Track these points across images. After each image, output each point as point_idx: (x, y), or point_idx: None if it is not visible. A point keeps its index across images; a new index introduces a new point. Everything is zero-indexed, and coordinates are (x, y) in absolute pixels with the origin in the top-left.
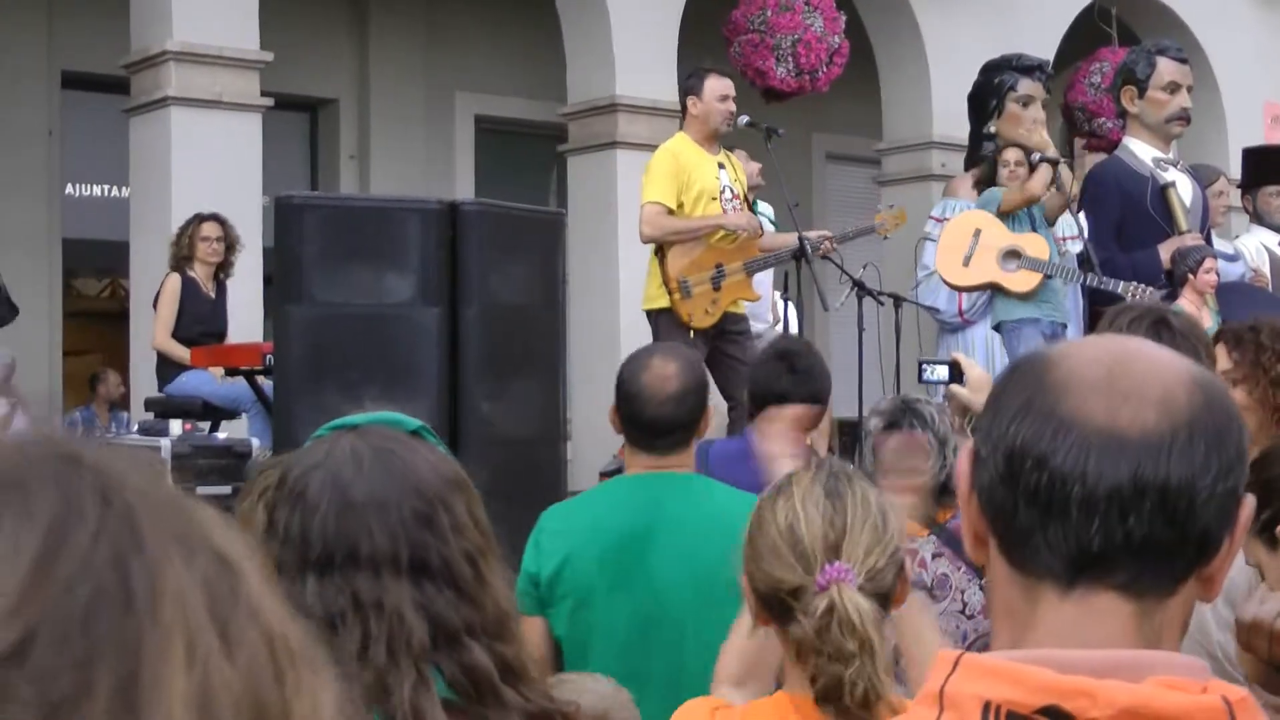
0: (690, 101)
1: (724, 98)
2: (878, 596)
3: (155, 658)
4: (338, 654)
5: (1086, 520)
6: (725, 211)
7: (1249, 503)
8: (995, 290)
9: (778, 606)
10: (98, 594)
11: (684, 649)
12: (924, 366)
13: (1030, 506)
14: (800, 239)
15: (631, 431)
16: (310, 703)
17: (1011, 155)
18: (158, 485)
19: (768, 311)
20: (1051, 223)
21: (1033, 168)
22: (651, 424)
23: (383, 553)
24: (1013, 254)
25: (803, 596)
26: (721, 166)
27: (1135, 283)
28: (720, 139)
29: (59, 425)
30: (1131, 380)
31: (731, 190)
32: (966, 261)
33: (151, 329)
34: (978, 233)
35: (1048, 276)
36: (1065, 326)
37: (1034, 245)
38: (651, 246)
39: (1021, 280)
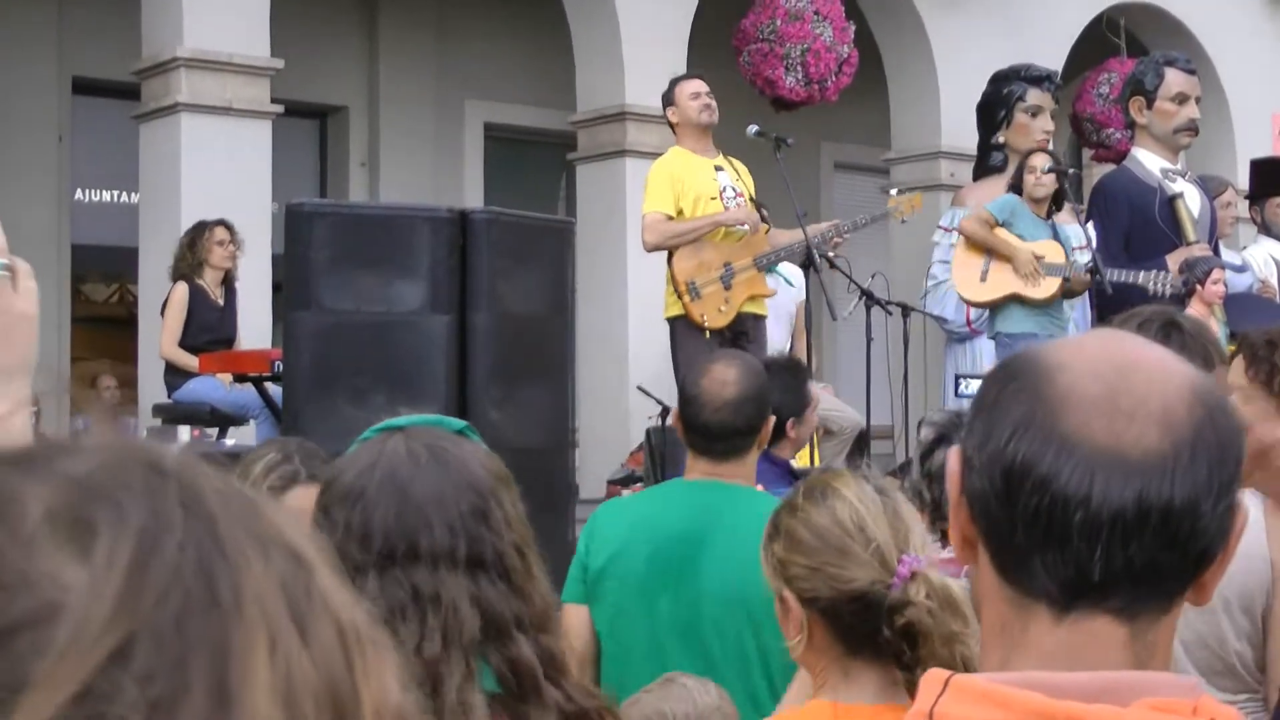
0: (670, 112)
1: (695, 94)
2: None
3: (242, 654)
4: (399, 647)
5: (1088, 547)
6: (727, 208)
7: (1244, 509)
8: (1015, 300)
9: (846, 610)
10: (188, 598)
11: (716, 657)
12: (960, 381)
13: (1029, 529)
14: (809, 248)
15: (689, 435)
16: (377, 684)
17: (1039, 161)
18: (232, 489)
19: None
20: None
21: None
22: (707, 429)
23: (441, 547)
24: None
25: (873, 594)
26: (720, 169)
27: (1155, 271)
28: (712, 139)
29: (132, 430)
30: (1133, 396)
31: (734, 189)
32: (984, 276)
33: (159, 337)
34: (991, 251)
35: (1066, 279)
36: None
37: (1051, 251)
38: (664, 255)
39: (1045, 287)
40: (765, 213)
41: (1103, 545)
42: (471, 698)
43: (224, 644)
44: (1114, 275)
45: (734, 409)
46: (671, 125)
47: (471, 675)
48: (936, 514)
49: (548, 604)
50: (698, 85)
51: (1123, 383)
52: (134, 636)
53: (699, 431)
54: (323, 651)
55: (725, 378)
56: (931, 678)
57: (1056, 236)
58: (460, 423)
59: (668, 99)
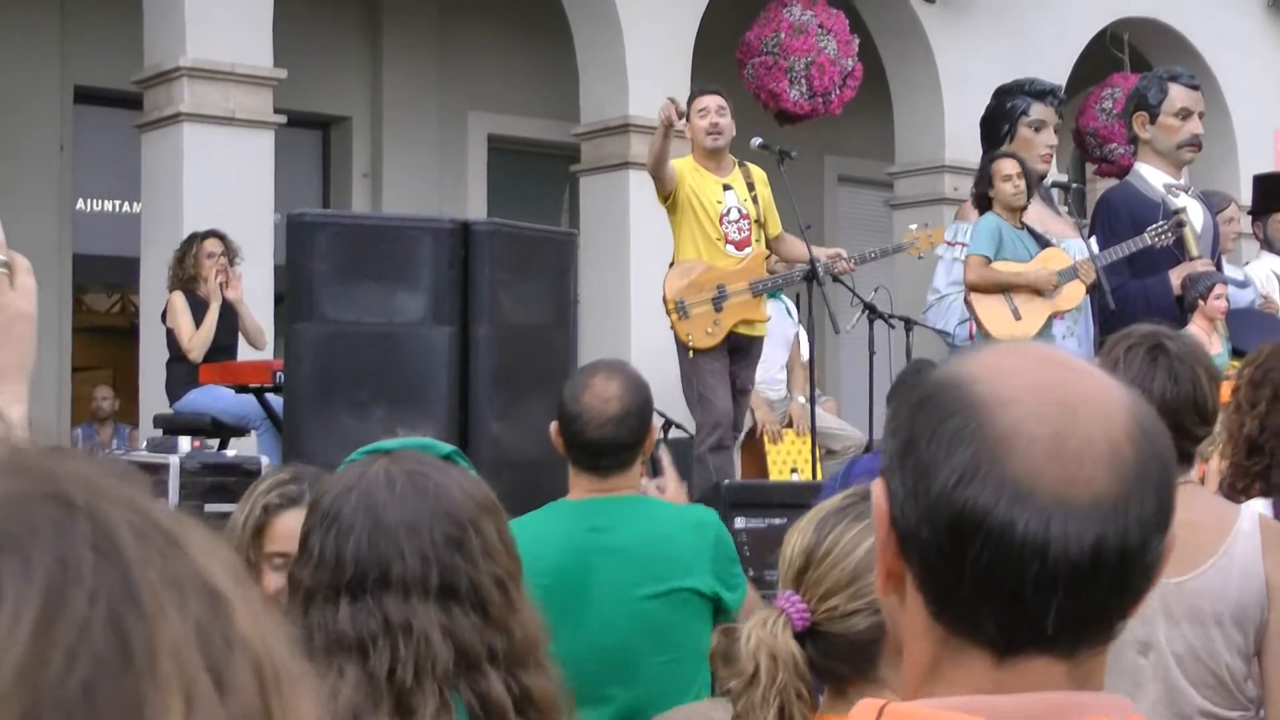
0: (685, 128)
1: (703, 111)
2: None
3: (156, 716)
4: (369, 676)
5: (1044, 601)
6: (728, 236)
7: (1173, 534)
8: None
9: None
10: (98, 661)
11: (638, 672)
12: None
13: (980, 584)
14: (811, 261)
15: (572, 452)
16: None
17: (1010, 166)
18: (148, 519)
19: (781, 379)
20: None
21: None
22: (591, 446)
23: (413, 575)
24: None
25: None
26: (728, 188)
27: (1149, 230)
28: (723, 158)
29: (34, 442)
30: (1080, 437)
31: (740, 211)
32: (1016, 314)
33: (167, 347)
34: (1006, 288)
35: (1077, 275)
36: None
37: (1055, 260)
38: (665, 269)
39: (1070, 295)
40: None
41: (1058, 597)
42: None
43: (137, 709)
44: (1108, 257)
45: (617, 424)
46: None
47: (447, 708)
48: None
49: (531, 639)
50: (707, 102)
51: (1069, 422)
52: (36, 709)
53: (583, 449)
54: (240, 699)
55: (607, 394)
56: (865, 707)
57: (1036, 239)
58: (448, 447)
59: (683, 112)
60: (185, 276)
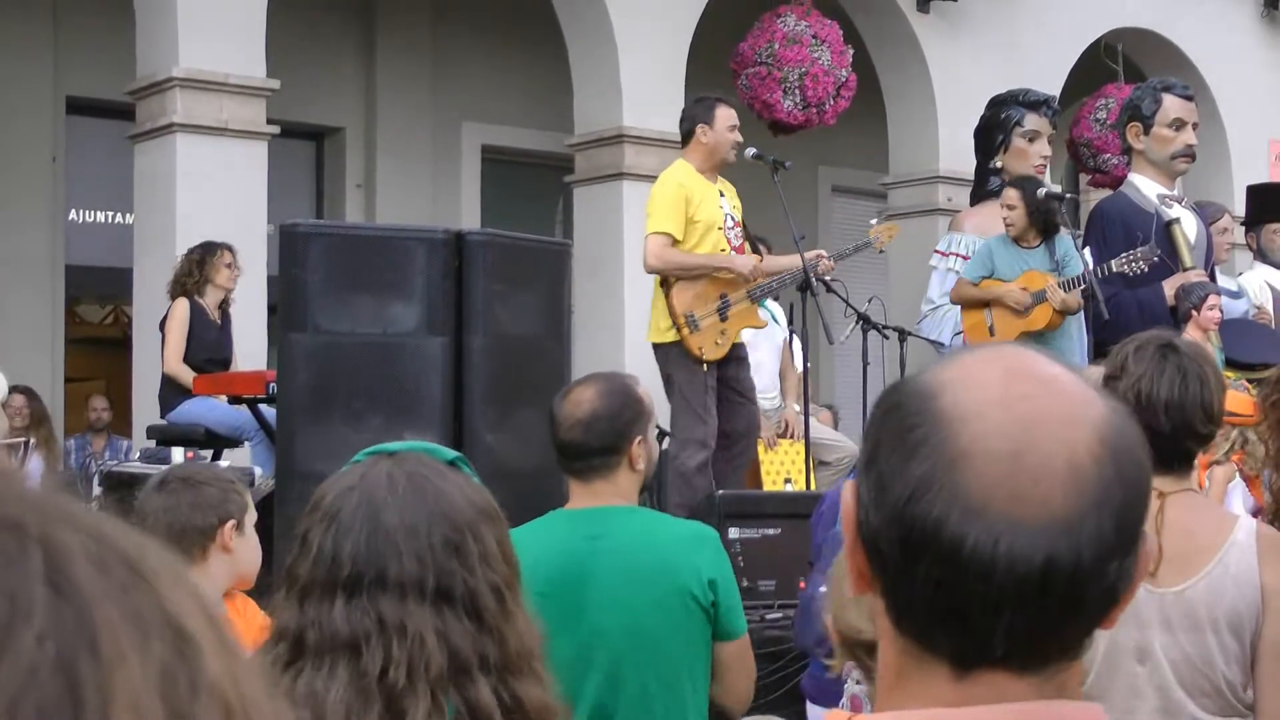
0: (700, 130)
1: (733, 127)
2: None
3: None
4: (361, 675)
5: (991, 621)
6: (730, 242)
7: (1150, 544)
8: (1031, 337)
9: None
10: (42, 711)
11: (634, 680)
12: None
13: (930, 601)
14: (806, 273)
15: (557, 458)
16: None
17: (1007, 197)
18: (110, 548)
19: (773, 387)
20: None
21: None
22: (562, 448)
23: (410, 577)
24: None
25: None
26: (722, 195)
27: (1122, 256)
28: (718, 169)
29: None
30: (1039, 454)
31: (733, 219)
32: (991, 331)
33: (160, 354)
34: (986, 304)
35: (1044, 299)
36: None
37: (1030, 282)
38: (657, 278)
39: (1038, 316)
40: (764, 248)
41: (1006, 619)
42: None
43: None
44: (1100, 271)
45: (585, 427)
46: (685, 139)
47: (440, 711)
48: None
49: (526, 648)
50: (735, 117)
51: (1028, 439)
52: None
53: (558, 451)
54: None
55: (580, 397)
56: (833, 717)
57: (1054, 256)
58: (452, 453)
59: (702, 116)
60: (200, 280)
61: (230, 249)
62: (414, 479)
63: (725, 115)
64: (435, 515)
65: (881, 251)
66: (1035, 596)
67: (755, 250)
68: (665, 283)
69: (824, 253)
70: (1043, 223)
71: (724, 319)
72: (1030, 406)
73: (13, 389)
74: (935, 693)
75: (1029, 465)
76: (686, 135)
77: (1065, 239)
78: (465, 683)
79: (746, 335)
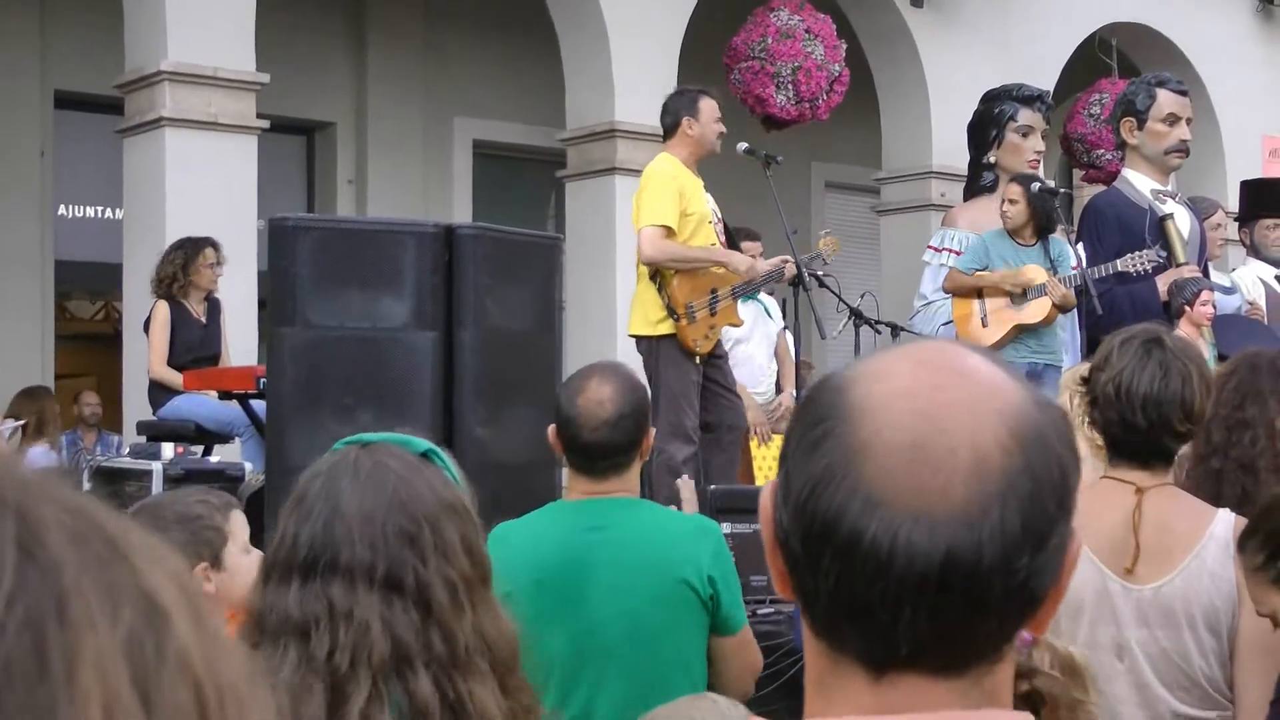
0: (687, 123)
1: (718, 119)
2: None
3: None
4: (309, 658)
5: (892, 618)
6: (718, 236)
7: (1077, 540)
8: (1021, 331)
9: None
10: (8, 667)
11: (634, 670)
12: None
13: (833, 598)
14: (799, 267)
15: (569, 456)
16: None
17: (1010, 191)
18: (88, 520)
19: (766, 380)
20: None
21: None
22: (587, 449)
23: (361, 564)
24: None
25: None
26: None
27: (1128, 256)
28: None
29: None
30: (940, 446)
31: (716, 213)
32: (984, 321)
33: (146, 355)
34: (979, 291)
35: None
36: (1052, 368)
37: (1034, 276)
38: (644, 270)
39: (1036, 310)
40: (760, 244)
41: (907, 615)
42: (378, 719)
43: (48, 718)
44: (1095, 273)
45: (612, 427)
46: (668, 133)
47: (379, 699)
48: None
49: (484, 644)
50: (719, 109)
51: (932, 430)
52: None
53: (579, 452)
54: (169, 718)
55: (601, 396)
56: None
57: (1048, 253)
58: (426, 444)
59: (687, 109)
60: (174, 283)
61: (214, 245)
62: (378, 468)
63: (710, 107)
64: (393, 504)
65: (828, 264)
66: (936, 592)
67: (734, 245)
68: (657, 274)
69: (788, 258)
70: (1044, 221)
71: (713, 313)
72: (937, 398)
73: (37, 388)
74: (853, 699)
75: (930, 457)
76: (671, 128)
77: (1060, 240)
78: (407, 673)
79: (744, 329)
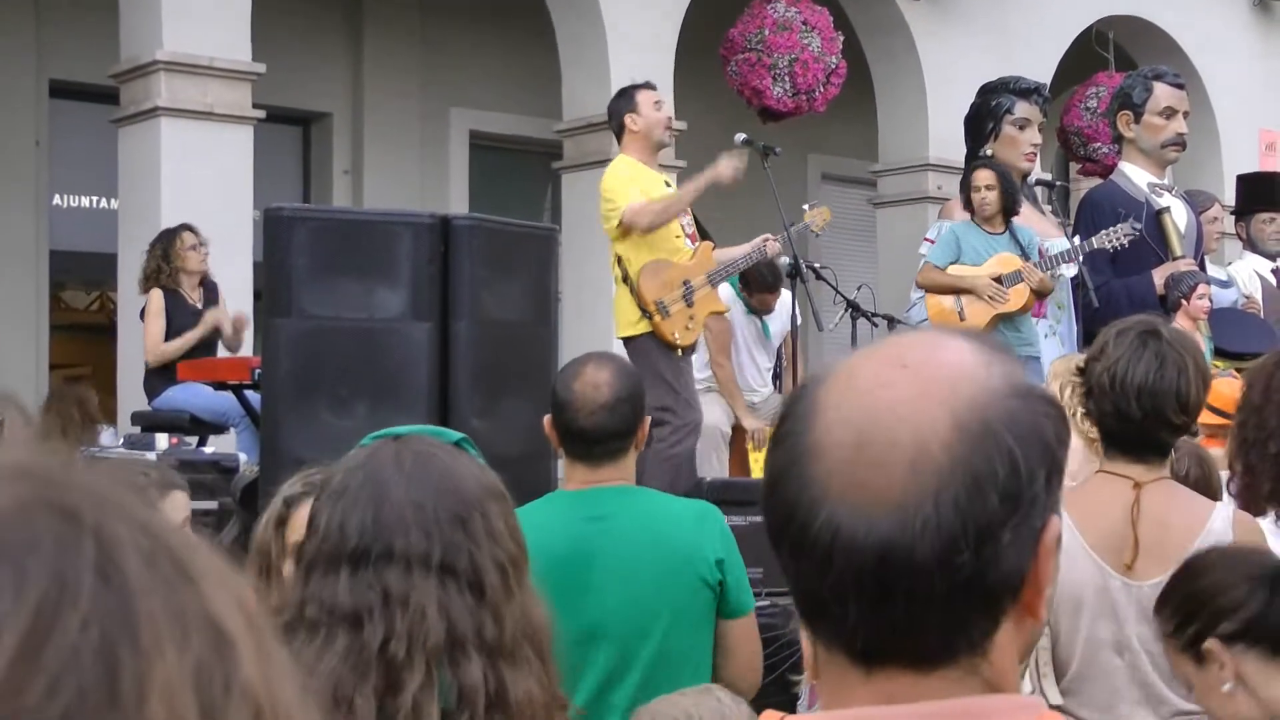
0: (630, 120)
1: (658, 104)
2: None
3: None
4: (360, 647)
5: (843, 613)
6: (683, 228)
7: (1054, 523)
8: (1001, 321)
9: None
10: (82, 693)
11: (639, 659)
12: None
13: (799, 594)
14: (795, 259)
15: (565, 442)
16: None
17: (981, 178)
18: (160, 544)
19: (760, 392)
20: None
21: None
22: (583, 434)
23: (416, 550)
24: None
25: None
26: (668, 184)
27: (1103, 233)
28: (658, 154)
29: (47, 452)
30: (883, 442)
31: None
32: (961, 315)
33: (143, 344)
34: (956, 292)
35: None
36: (1032, 359)
37: (1004, 264)
38: (618, 275)
39: (1014, 298)
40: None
41: (853, 609)
42: (428, 706)
43: None
44: (1086, 246)
45: (609, 412)
46: (618, 137)
47: (431, 684)
48: None
49: (526, 633)
50: (658, 95)
51: (874, 426)
52: None
53: (575, 437)
54: None
55: (597, 380)
56: (767, 718)
57: (1017, 240)
58: (457, 434)
59: (626, 106)
60: (162, 273)
61: (190, 229)
62: (420, 457)
63: (647, 97)
64: (443, 491)
65: (817, 235)
66: (875, 586)
67: (706, 237)
68: (628, 277)
69: (770, 236)
70: (1008, 202)
71: (690, 304)
72: (883, 395)
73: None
74: (850, 691)
75: (872, 454)
76: (619, 131)
77: (1026, 229)
78: (459, 659)
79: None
